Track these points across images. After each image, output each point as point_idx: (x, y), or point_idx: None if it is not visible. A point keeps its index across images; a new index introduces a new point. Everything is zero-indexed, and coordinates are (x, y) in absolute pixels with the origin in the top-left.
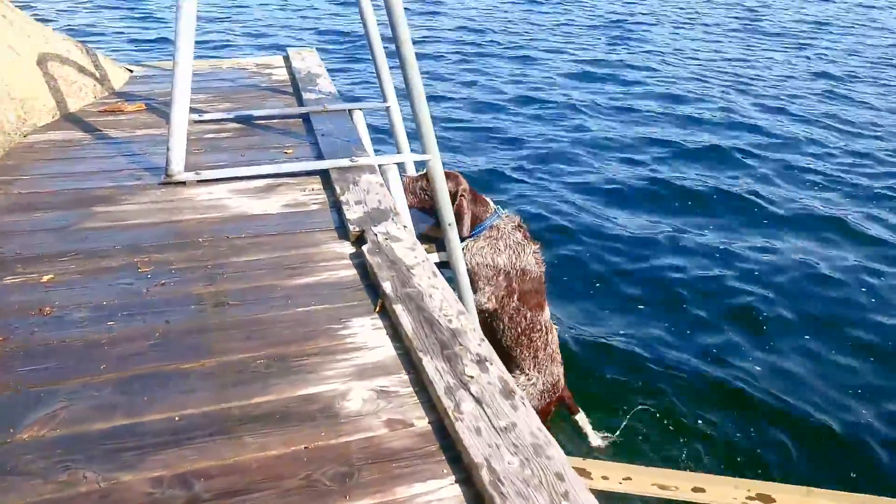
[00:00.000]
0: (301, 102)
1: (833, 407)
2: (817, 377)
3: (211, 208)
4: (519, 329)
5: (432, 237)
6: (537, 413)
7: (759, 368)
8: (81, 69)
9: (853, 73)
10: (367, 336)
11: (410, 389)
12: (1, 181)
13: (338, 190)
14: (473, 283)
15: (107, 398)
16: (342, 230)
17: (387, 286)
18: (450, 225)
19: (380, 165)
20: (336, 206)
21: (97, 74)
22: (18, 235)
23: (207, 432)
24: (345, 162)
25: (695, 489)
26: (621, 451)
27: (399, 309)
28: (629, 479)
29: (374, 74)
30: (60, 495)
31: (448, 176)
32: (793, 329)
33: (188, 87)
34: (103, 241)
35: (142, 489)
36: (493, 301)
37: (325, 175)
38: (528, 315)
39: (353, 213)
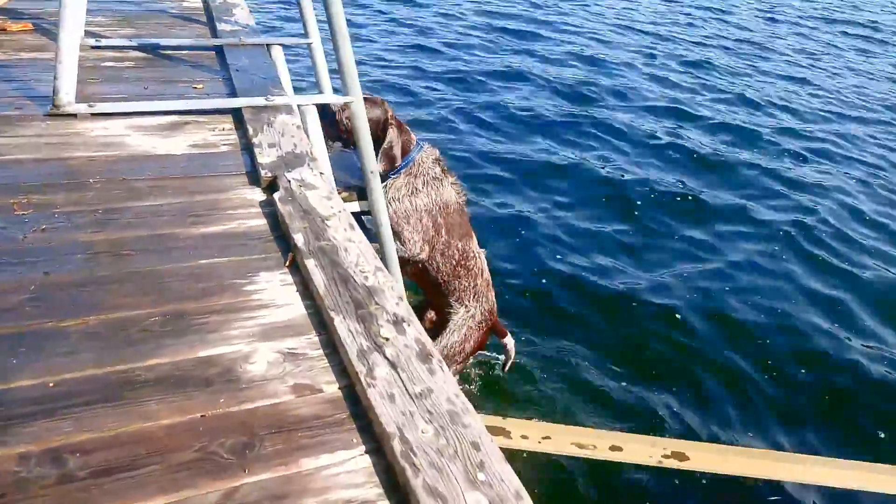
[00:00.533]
0: (215, 34)
1: (752, 368)
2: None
3: (106, 146)
4: (454, 261)
5: (353, 185)
6: (475, 344)
7: (680, 334)
8: None
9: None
10: (276, 293)
11: (321, 352)
12: None
13: (250, 131)
14: (398, 230)
15: None
16: (253, 175)
17: (298, 238)
18: (372, 173)
19: (298, 106)
20: (248, 148)
21: None
22: None
23: (86, 400)
24: (260, 100)
25: (612, 447)
26: (543, 410)
27: (311, 264)
28: (548, 437)
29: (297, 6)
30: None
31: (372, 102)
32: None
33: (77, 5)
34: None
35: (4, 467)
36: (425, 247)
37: (237, 114)
38: (460, 245)
39: (265, 157)
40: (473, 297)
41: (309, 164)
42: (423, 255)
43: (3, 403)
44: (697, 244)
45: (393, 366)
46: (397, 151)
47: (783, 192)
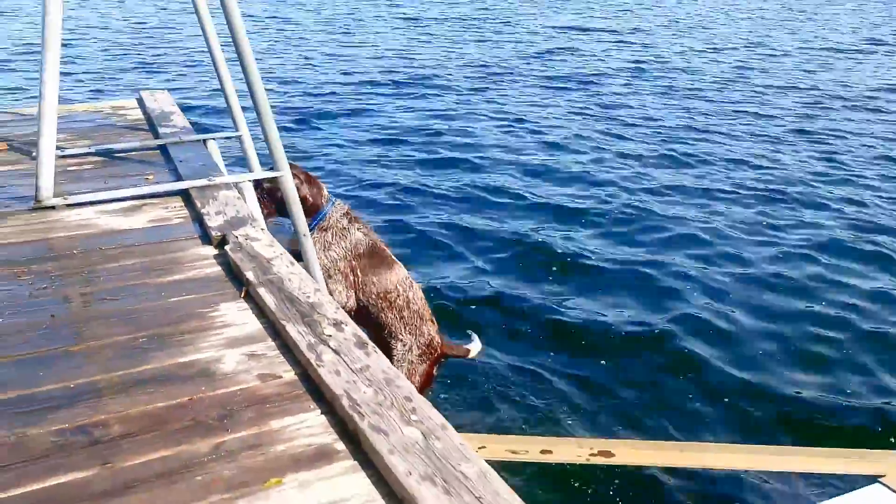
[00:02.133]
0: (157, 136)
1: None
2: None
3: (81, 226)
4: (373, 296)
5: (290, 249)
6: (422, 378)
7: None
8: None
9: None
10: (235, 316)
11: (277, 352)
12: None
13: (198, 205)
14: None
15: (1, 377)
16: (205, 237)
17: (250, 275)
18: (304, 235)
19: (235, 183)
20: (198, 218)
21: None
22: None
23: (98, 395)
24: (203, 181)
25: (543, 451)
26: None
27: (262, 291)
28: (484, 447)
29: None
30: None
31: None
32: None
33: (55, 118)
34: None
35: (48, 439)
36: (350, 293)
37: (185, 194)
38: (376, 280)
39: (214, 222)
40: (405, 329)
41: (251, 224)
42: (352, 302)
43: (37, 400)
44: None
45: (336, 352)
46: (311, 202)
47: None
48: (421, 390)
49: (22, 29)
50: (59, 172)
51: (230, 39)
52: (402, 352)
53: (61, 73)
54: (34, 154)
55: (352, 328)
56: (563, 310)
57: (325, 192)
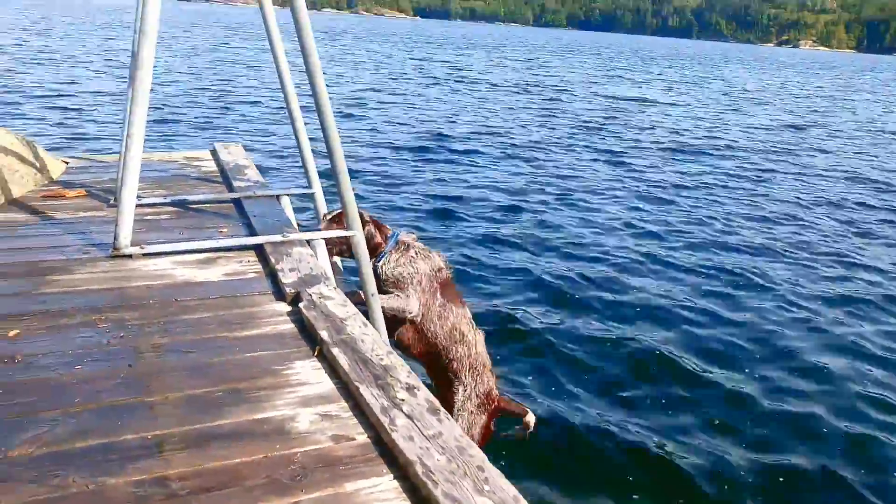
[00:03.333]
0: (231, 190)
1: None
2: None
3: (158, 276)
4: (449, 323)
5: (355, 303)
6: (482, 431)
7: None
8: (22, 159)
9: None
10: (309, 374)
11: (350, 413)
12: None
13: (272, 260)
14: (400, 287)
15: (83, 424)
16: (279, 293)
17: (324, 334)
18: (372, 295)
19: (308, 241)
20: (272, 274)
21: (37, 164)
22: None
23: (176, 447)
24: (277, 237)
25: None
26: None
27: (336, 351)
28: None
29: (301, 165)
30: (53, 496)
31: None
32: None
33: (137, 170)
34: (62, 304)
35: (126, 489)
36: (420, 306)
37: (259, 249)
38: (455, 309)
39: (287, 279)
40: (469, 370)
41: (324, 282)
42: (420, 310)
43: (116, 450)
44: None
45: (409, 417)
46: (379, 241)
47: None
48: (480, 445)
49: (100, 71)
50: (137, 221)
51: (310, 98)
52: (462, 397)
53: (158, 123)
54: (112, 201)
55: (424, 393)
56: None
57: (388, 227)
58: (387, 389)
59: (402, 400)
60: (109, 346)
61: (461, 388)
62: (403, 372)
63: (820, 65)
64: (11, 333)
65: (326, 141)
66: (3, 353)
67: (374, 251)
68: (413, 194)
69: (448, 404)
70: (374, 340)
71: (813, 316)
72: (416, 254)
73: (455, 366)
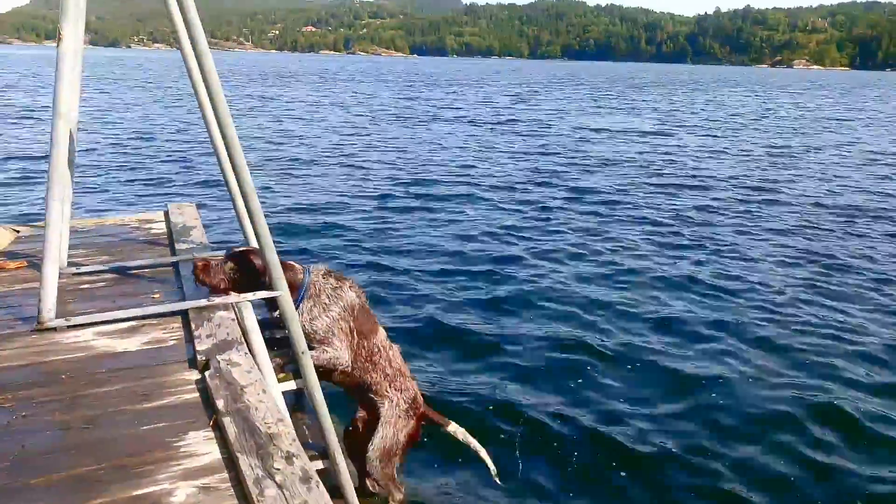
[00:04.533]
0: (174, 252)
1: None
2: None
3: (77, 349)
4: (362, 358)
5: (284, 362)
6: (409, 434)
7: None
8: None
9: None
10: (200, 445)
11: (228, 484)
12: None
13: (193, 326)
14: (328, 342)
15: None
16: (193, 361)
17: (220, 403)
18: (303, 353)
19: (234, 303)
20: (191, 340)
21: None
22: None
23: None
24: (202, 302)
25: None
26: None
27: (227, 421)
28: None
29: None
30: None
31: (250, 252)
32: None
33: (57, 243)
34: None
35: None
36: (350, 354)
37: (185, 314)
38: (366, 343)
39: (203, 345)
40: (389, 386)
41: (237, 347)
42: (348, 357)
43: None
44: None
45: (280, 487)
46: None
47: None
48: (404, 448)
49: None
50: (72, 290)
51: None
52: (389, 409)
53: (119, 180)
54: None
55: (301, 462)
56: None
57: (298, 265)
58: (266, 459)
59: (278, 469)
60: (10, 426)
61: (387, 402)
62: (288, 440)
63: (813, 84)
64: None
65: (244, 198)
66: None
67: (292, 290)
68: (377, 247)
69: (376, 418)
70: (267, 409)
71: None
72: (329, 298)
73: (375, 388)
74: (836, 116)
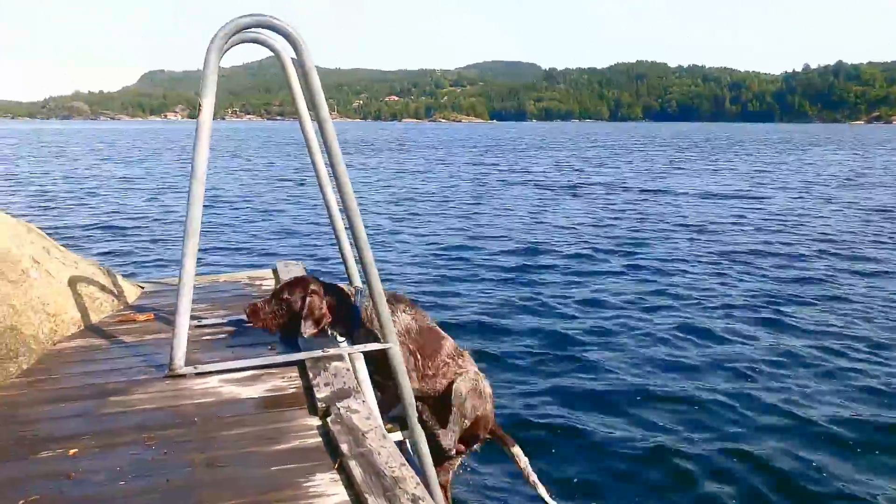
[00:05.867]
0: None
1: None
2: None
3: (206, 395)
4: (429, 377)
5: (397, 416)
6: (477, 418)
7: None
8: (102, 288)
9: None
10: (327, 486)
11: None
12: (36, 380)
13: (311, 375)
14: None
15: None
16: (313, 408)
17: (344, 447)
18: (409, 405)
19: (348, 354)
20: (309, 389)
21: (115, 291)
22: (50, 421)
23: None
24: (317, 353)
25: None
26: None
27: (352, 463)
28: None
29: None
30: None
31: (295, 283)
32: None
33: (190, 297)
34: (117, 423)
35: None
36: (414, 376)
37: (301, 364)
38: (430, 363)
39: (321, 393)
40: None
41: (354, 395)
42: (416, 385)
43: None
44: None
45: None
46: (321, 313)
47: None
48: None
49: (173, 205)
50: (196, 341)
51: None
52: (462, 382)
53: (223, 244)
54: None
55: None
56: None
57: (347, 287)
58: (393, 501)
59: None
60: (154, 462)
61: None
62: (412, 483)
63: None
64: (71, 452)
65: (360, 256)
66: (60, 470)
67: (319, 322)
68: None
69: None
70: (389, 453)
71: None
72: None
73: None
74: None
